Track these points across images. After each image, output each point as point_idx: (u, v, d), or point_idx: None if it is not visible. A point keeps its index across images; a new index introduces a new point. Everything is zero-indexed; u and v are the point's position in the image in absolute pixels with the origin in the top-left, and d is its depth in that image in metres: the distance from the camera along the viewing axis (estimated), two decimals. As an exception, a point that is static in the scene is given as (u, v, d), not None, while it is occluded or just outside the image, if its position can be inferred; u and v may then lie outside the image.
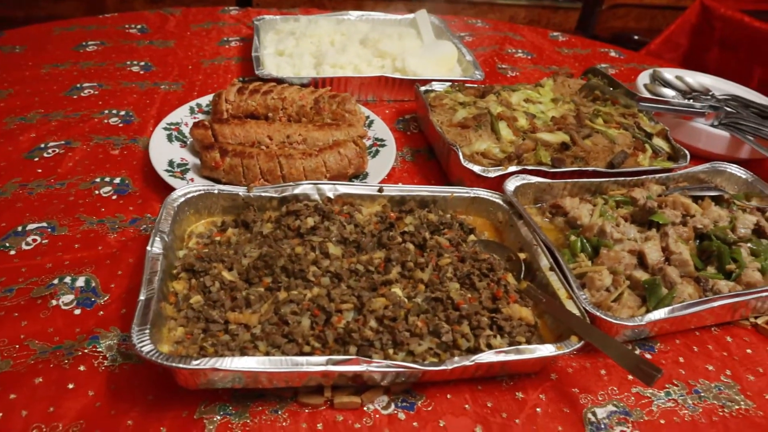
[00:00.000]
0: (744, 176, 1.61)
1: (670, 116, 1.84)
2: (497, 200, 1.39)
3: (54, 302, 1.18)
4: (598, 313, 1.10)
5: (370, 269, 1.17)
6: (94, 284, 1.24)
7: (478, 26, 2.66)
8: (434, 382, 1.06)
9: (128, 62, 2.08)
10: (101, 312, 1.17)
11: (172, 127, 1.64)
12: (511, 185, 1.41)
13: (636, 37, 3.85)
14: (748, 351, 1.23)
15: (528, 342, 1.10)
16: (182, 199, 1.29)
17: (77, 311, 1.17)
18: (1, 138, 1.66)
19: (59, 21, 2.35)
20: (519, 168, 1.47)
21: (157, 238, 1.17)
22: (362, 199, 1.37)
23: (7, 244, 1.30)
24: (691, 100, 1.97)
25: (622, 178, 1.53)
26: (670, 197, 1.44)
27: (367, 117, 1.73)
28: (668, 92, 1.99)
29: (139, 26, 2.35)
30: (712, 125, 1.83)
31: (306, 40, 2.08)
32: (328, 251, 1.20)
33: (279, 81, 1.82)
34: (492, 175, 1.46)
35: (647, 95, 1.95)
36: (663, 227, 1.36)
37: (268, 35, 2.17)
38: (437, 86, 1.81)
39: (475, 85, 1.81)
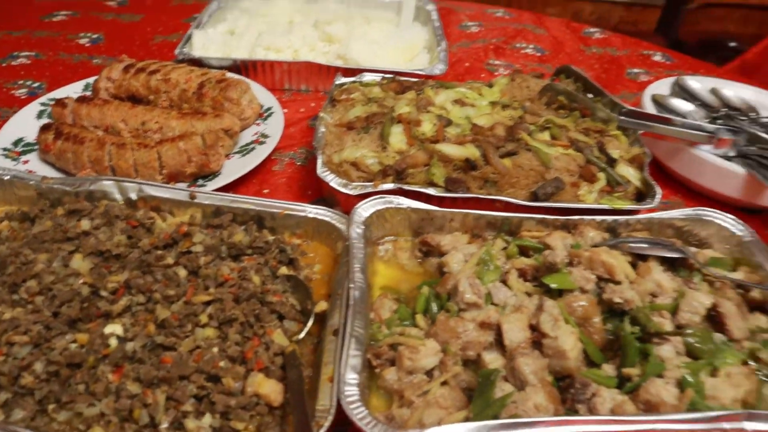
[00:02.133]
0: (740, 233, 1.12)
1: (668, 140, 1.36)
2: (340, 226, 1.05)
3: None
4: (353, 416, 0.75)
5: (101, 294, 0.90)
6: None
7: (497, 16, 2.24)
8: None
9: (81, 34, 1.96)
10: None
11: (52, 102, 1.47)
12: (365, 209, 1.06)
13: (733, 44, 3.12)
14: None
15: (258, 430, 0.78)
16: (-40, 181, 1.09)
17: None
18: None
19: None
20: (394, 187, 1.12)
21: None
22: (171, 205, 1.09)
23: None
24: (721, 121, 1.47)
25: (545, 216, 1.11)
26: (587, 252, 1.01)
27: (268, 109, 1.44)
28: (685, 107, 1.49)
29: (121, -2, 2.24)
30: (725, 156, 1.33)
31: (260, 19, 1.83)
32: (70, 264, 0.95)
33: (198, 62, 1.59)
34: (354, 192, 1.12)
35: (649, 109, 1.47)
36: (547, 296, 0.94)
37: (233, 13, 1.94)
38: (369, 78, 1.48)
39: (414, 80, 1.45)
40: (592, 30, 2.21)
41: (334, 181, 1.12)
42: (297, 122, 1.51)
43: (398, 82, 1.41)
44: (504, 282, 1.00)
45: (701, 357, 0.90)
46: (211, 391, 0.78)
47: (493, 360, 0.88)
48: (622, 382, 0.86)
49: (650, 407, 0.82)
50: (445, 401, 0.82)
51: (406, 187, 1.12)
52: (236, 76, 1.46)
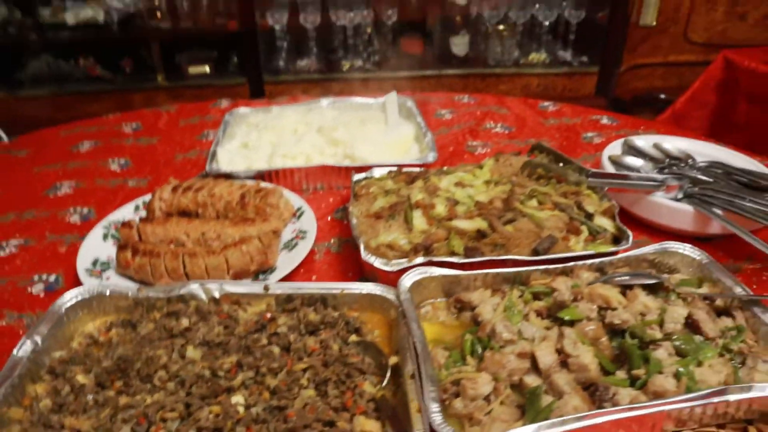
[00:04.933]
0: (698, 258, 1.43)
1: (629, 192, 1.69)
2: (389, 297, 1.31)
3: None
4: (443, 431, 0.99)
5: (219, 374, 1.13)
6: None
7: (464, 102, 2.62)
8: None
9: (110, 160, 2.22)
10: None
11: (112, 225, 1.71)
12: (407, 280, 1.32)
13: (662, 96, 3.63)
14: (654, 475, 1.04)
15: (370, 459, 1.00)
16: (72, 302, 1.32)
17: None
18: (-27, 240, 1.80)
19: (67, 124, 2.57)
20: (425, 260, 1.39)
21: (28, 341, 1.20)
22: (249, 298, 1.34)
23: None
24: (666, 170, 1.81)
25: (547, 266, 1.39)
26: (586, 288, 1.30)
27: (299, 209, 1.72)
28: (636, 162, 1.84)
29: (134, 124, 2.52)
30: (675, 198, 1.66)
31: (269, 131, 2.13)
32: (186, 354, 1.18)
33: (228, 175, 1.87)
34: (394, 268, 1.38)
35: (608, 169, 1.81)
36: (562, 326, 1.22)
37: (241, 128, 2.25)
38: (378, 172, 1.78)
39: (416, 170, 1.76)
40: (546, 104, 2.59)
41: (377, 262, 1.39)
42: (322, 217, 1.78)
43: (405, 173, 1.71)
44: (526, 321, 1.27)
45: (688, 355, 1.17)
46: (330, 433, 1.01)
47: (532, 381, 1.13)
48: (632, 383, 1.13)
49: (657, 396, 1.08)
50: (506, 416, 1.07)
51: (434, 258, 1.39)
52: (270, 185, 1.75)
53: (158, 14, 3.77)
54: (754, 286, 1.51)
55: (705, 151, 1.96)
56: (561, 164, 1.75)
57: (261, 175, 1.87)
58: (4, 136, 2.72)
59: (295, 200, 1.75)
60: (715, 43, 3.83)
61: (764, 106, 3.05)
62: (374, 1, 3.76)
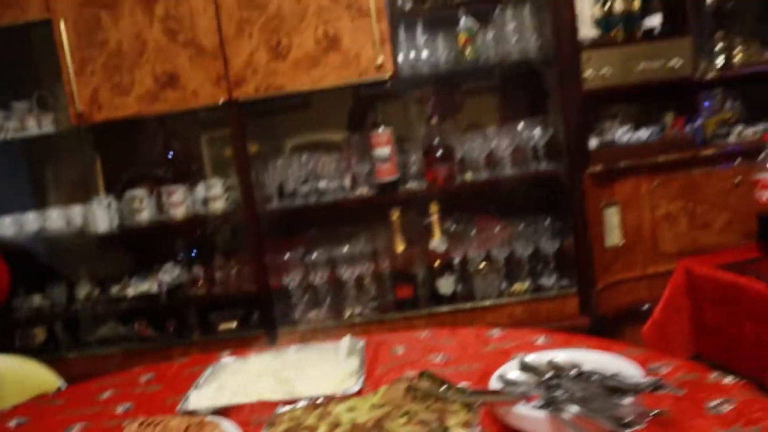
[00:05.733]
0: (533, 461, 1.65)
1: (499, 404, 1.96)
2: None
3: None
4: None
5: None
6: None
7: (420, 338, 3.01)
8: None
9: (119, 405, 2.74)
10: None
11: (91, 459, 2.15)
12: (272, 487, 1.64)
13: (645, 307, 3.79)
14: None
15: None
16: None
17: None
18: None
19: (101, 377, 3.18)
20: (295, 474, 1.71)
21: None
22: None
23: None
24: (550, 382, 2.06)
25: (397, 475, 1.67)
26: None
27: (233, 436, 2.10)
28: (517, 377, 2.12)
29: (149, 375, 3.09)
30: (537, 407, 1.90)
31: (239, 376, 2.62)
32: None
33: (192, 412, 2.32)
34: (269, 482, 1.71)
35: (495, 386, 2.09)
36: None
37: (224, 374, 2.74)
38: (301, 404, 2.16)
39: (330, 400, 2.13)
40: (493, 331, 2.93)
41: (257, 477, 1.73)
42: (257, 442, 2.14)
43: (315, 404, 2.09)
44: None
45: None
46: None
47: None
48: None
49: None
50: None
51: (304, 471, 1.71)
52: (213, 418, 2.17)
53: (198, 283, 4.69)
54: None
55: (599, 359, 2.20)
56: (445, 387, 2.07)
57: (218, 411, 2.31)
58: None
59: (233, 430, 2.14)
60: (688, 251, 4.08)
61: (724, 308, 3.21)
62: (372, 255, 4.49)
